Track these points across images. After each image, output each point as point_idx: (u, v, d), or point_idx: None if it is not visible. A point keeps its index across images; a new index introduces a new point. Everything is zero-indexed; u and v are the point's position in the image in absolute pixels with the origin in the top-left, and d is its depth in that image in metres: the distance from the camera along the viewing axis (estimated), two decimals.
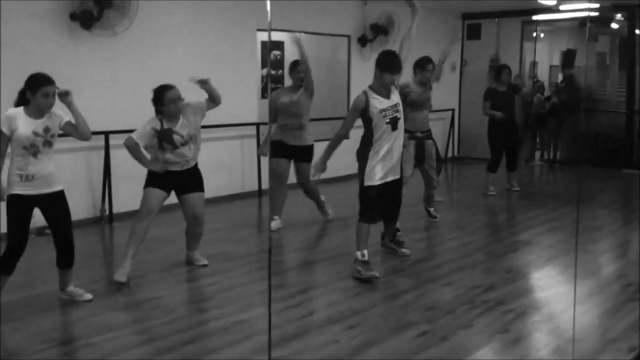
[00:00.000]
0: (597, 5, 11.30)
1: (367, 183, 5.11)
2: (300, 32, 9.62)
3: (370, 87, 5.13)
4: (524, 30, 13.35)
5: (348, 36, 10.02)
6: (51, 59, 6.67)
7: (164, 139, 5.06)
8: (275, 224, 6.71)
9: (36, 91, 4.21)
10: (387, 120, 5.04)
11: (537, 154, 12.27)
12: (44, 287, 4.91)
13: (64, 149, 6.55)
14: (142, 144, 5.07)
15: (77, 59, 6.92)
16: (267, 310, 4.45)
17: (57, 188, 4.42)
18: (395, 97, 5.13)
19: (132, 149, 5.06)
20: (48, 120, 4.31)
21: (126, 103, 7.18)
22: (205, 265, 5.47)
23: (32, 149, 4.25)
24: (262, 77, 10.92)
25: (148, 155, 5.24)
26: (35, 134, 4.24)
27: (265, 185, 8.71)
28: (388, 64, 5.02)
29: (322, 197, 7.04)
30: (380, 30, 9.94)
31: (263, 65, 10.97)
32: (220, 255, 5.79)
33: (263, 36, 10.40)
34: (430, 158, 6.83)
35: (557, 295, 4.93)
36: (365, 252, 5.16)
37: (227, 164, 8.47)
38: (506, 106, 8.54)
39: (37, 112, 4.28)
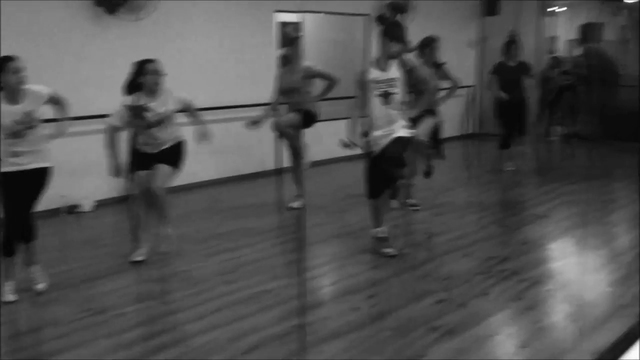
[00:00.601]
0: None
1: (370, 149, 5.15)
2: (319, 12, 9.76)
3: (376, 57, 5.20)
4: (543, 4, 13.34)
5: (367, 14, 10.09)
6: (77, 45, 6.89)
7: (135, 115, 4.97)
8: (298, 203, 6.91)
9: (5, 70, 4.19)
10: (379, 93, 5.06)
11: (557, 128, 12.28)
12: (77, 263, 5.13)
13: (91, 130, 6.80)
14: (120, 124, 5.02)
15: (102, 43, 7.11)
16: (293, 280, 4.66)
17: (44, 164, 4.43)
18: (394, 72, 5.08)
19: (107, 132, 5.02)
20: (27, 104, 4.31)
21: None
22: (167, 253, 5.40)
23: (17, 134, 4.28)
24: (282, 57, 11.06)
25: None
26: (17, 122, 4.26)
27: (284, 164, 8.89)
28: (394, 32, 5.09)
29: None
30: (398, 8, 9.99)
31: (283, 45, 11.12)
32: (242, 231, 5.99)
33: (281, 17, 10.55)
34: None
35: (570, 264, 5.07)
36: (380, 229, 5.31)
37: (247, 143, 8.64)
38: (514, 82, 8.51)
39: (13, 94, 4.26)
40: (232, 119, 8.20)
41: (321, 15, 10.45)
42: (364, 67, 5.18)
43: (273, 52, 9.42)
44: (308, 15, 10.75)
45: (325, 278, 4.79)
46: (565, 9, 14.97)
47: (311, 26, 11.24)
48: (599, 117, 12.04)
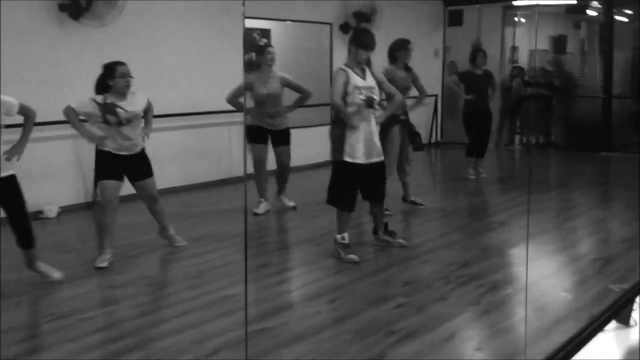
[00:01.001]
0: None
1: (347, 159, 5.16)
2: (282, 19, 9.87)
3: (346, 64, 5.27)
4: (505, 15, 13.64)
5: (330, 24, 10.23)
6: (40, 50, 6.88)
7: (107, 111, 5.02)
8: (262, 206, 6.98)
9: None
10: (363, 98, 5.14)
11: (518, 137, 12.56)
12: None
13: (54, 136, 6.81)
14: (80, 111, 5.07)
15: (66, 49, 7.10)
16: (257, 285, 4.74)
17: (6, 173, 4.44)
18: (371, 80, 5.26)
19: (68, 114, 5.07)
20: None
21: None
22: (184, 246, 5.68)
23: None
24: (248, 63, 11.14)
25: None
26: None
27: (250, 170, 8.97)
28: (363, 40, 5.19)
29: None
30: (363, 17, 10.16)
31: (247, 51, 11.21)
32: (208, 237, 6.04)
33: (249, 23, 10.64)
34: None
35: (527, 270, 5.21)
36: (345, 235, 5.41)
37: (215, 150, 8.70)
38: (481, 91, 8.72)
39: None
40: (199, 125, 8.26)
41: (288, 22, 10.56)
42: (345, 72, 5.21)
43: (242, 57, 9.52)
44: (275, 23, 10.85)
45: (289, 283, 4.87)
46: (523, 20, 15.34)
47: (278, 33, 11.36)
48: (562, 127, 12.38)
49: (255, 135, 6.89)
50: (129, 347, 3.72)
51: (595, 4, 12.07)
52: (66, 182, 7.19)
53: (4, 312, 4.24)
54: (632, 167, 9.79)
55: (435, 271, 5.08)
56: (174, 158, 8.14)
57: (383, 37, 10.26)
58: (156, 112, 7.28)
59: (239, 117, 8.87)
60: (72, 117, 5.11)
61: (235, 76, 8.88)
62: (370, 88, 5.23)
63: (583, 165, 10.31)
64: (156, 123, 7.41)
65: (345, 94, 5.16)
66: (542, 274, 5.02)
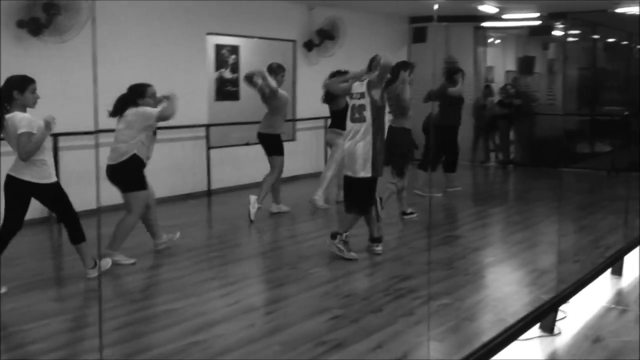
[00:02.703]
0: (537, 15, 11.87)
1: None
2: (247, 36, 10.03)
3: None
4: (476, 35, 13.90)
5: (294, 41, 10.39)
6: None
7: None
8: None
9: None
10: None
11: (492, 155, 12.71)
12: None
13: (6, 152, 6.84)
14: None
15: (25, 65, 7.14)
16: (201, 298, 4.83)
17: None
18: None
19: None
20: None
21: (76, 107, 7.40)
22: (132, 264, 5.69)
23: None
24: (216, 79, 11.30)
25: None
26: None
27: (214, 185, 9.08)
28: None
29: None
30: (326, 35, 10.33)
31: (218, 67, 11.36)
32: (165, 250, 6.11)
33: (217, 40, 10.80)
34: None
35: (466, 281, 5.34)
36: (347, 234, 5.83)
37: (179, 164, 8.78)
38: (454, 109, 8.87)
39: None
40: (164, 139, 8.32)
41: (255, 39, 10.72)
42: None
43: (206, 73, 9.64)
44: (244, 39, 11.01)
45: (230, 297, 4.95)
46: (497, 41, 15.65)
47: (246, 50, 11.53)
48: (525, 145, 12.63)
49: None
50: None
51: (558, 25, 12.36)
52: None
53: None
54: (578, 183, 10.14)
55: (375, 284, 5.20)
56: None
57: (347, 53, 10.54)
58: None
59: (202, 131, 8.97)
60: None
61: (199, 92, 9.05)
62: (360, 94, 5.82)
63: (536, 181, 10.55)
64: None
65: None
66: (478, 285, 5.16)
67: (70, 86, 7.49)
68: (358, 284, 5.23)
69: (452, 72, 9.06)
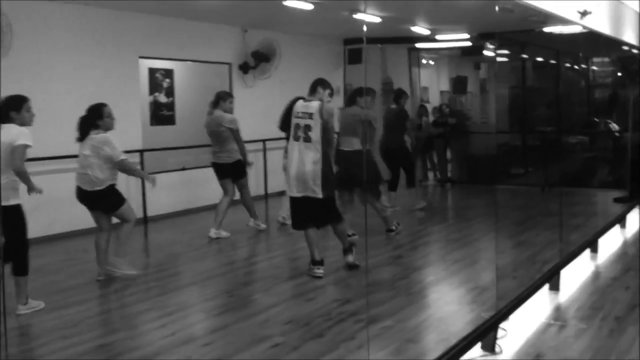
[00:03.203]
0: (468, 36, 12.16)
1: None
2: (181, 59, 9.90)
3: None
4: (410, 56, 14.11)
5: (229, 64, 10.31)
6: None
7: None
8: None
9: None
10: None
11: (431, 174, 12.84)
12: None
13: None
14: None
15: None
16: (134, 332, 4.65)
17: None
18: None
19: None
20: None
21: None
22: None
23: None
24: (150, 103, 11.07)
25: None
26: None
27: (150, 212, 8.85)
28: None
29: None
30: (262, 57, 10.28)
31: (152, 91, 11.15)
32: (101, 281, 5.88)
33: (150, 63, 10.60)
34: None
35: (408, 302, 5.31)
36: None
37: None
38: (399, 128, 8.99)
39: None
40: None
41: (189, 62, 10.58)
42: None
43: (139, 98, 9.43)
44: (178, 63, 10.86)
45: (166, 328, 4.77)
46: (432, 62, 15.94)
47: (181, 73, 11.37)
48: (462, 163, 12.83)
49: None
50: None
51: (488, 45, 12.65)
52: None
53: None
54: (513, 199, 10.35)
55: (316, 309, 5.10)
56: (69, 201, 7.87)
57: (283, 75, 10.52)
58: (50, 153, 7.19)
59: (136, 157, 8.74)
60: None
61: (132, 117, 8.83)
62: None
63: (474, 199, 10.71)
64: (49, 165, 7.31)
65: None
66: (421, 306, 5.14)
67: None
68: (299, 309, 5.13)
69: (400, 95, 9.19)
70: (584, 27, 7.66)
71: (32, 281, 5.45)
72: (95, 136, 5.75)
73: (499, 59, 13.11)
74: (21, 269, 4.96)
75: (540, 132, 12.80)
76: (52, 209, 7.34)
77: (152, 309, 5.23)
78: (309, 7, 8.27)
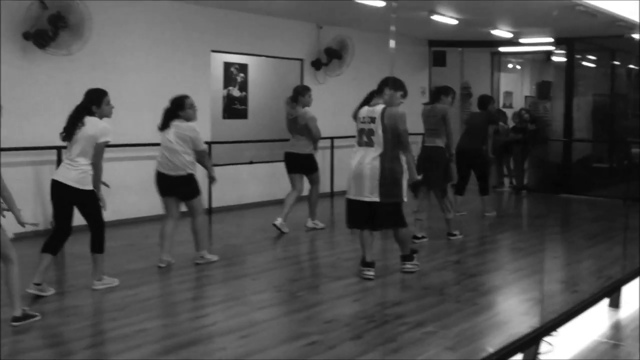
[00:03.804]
0: (552, 40, 11.73)
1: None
2: (254, 54, 10.00)
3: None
4: (494, 60, 13.79)
5: (301, 60, 10.33)
6: (4, 78, 6.92)
7: None
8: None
9: None
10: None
11: (506, 180, 12.46)
12: None
13: (13, 162, 6.80)
14: None
15: (31, 77, 7.19)
16: (175, 319, 4.71)
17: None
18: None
19: None
20: None
21: None
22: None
23: None
24: (224, 97, 11.25)
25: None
26: None
27: (215, 203, 8.98)
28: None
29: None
30: (334, 54, 10.25)
31: (226, 85, 11.33)
32: (150, 269, 6.03)
33: (225, 58, 10.77)
34: None
35: (457, 309, 5.13)
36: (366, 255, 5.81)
37: None
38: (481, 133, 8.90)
39: None
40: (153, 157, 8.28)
41: (263, 58, 10.67)
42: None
43: (209, 92, 9.58)
44: (252, 58, 10.98)
45: (208, 318, 4.81)
46: (519, 67, 15.49)
47: (255, 68, 11.49)
48: (538, 170, 12.37)
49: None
50: None
51: (555, 50, 12.22)
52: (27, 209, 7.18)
53: None
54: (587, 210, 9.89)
55: (361, 310, 5.01)
56: (136, 189, 8.13)
57: (355, 73, 10.45)
58: (123, 141, 7.40)
59: None
60: None
61: (202, 110, 8.95)
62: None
63: (546, 208, 10.32)
64: (120, 152, 7.52)
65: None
66: (469, 312, 4.96)
67: (77, 99, 7.45)
68: (343, 309, 5.04)
69: (487, 101, 9.21)
70: None
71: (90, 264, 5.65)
72: (182, 124, 5.96)
73: (585, 63, 12.57)
74: (98, 247, 5.30)
75: (628, 143, 12.20)
76: (119, 196, 7.56)
77: (199, 298, 5.32)
78: (381, 4, 8.16)
